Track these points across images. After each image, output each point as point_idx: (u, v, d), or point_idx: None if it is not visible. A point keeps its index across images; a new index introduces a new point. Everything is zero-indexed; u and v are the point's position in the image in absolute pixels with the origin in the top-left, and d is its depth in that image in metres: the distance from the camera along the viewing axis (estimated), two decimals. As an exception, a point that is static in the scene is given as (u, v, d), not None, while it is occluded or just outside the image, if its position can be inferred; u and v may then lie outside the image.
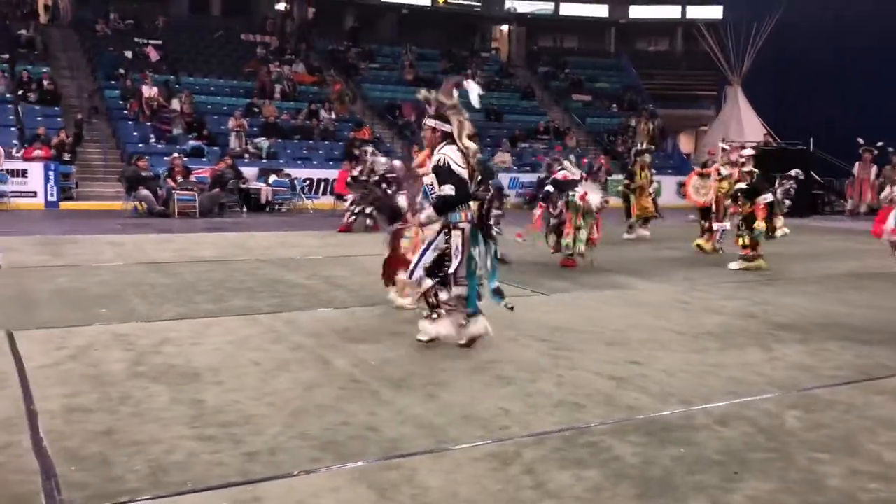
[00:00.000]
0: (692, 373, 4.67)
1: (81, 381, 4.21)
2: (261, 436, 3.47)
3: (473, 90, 5.28)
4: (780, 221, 9.29)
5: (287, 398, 4.01)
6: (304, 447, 3.36)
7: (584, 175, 9.06)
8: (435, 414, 3.83)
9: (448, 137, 5.02)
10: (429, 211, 5.03)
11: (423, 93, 5.23)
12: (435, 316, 5.10)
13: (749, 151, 9.75)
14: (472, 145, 5.09)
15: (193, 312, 6.11)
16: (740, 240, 9.37)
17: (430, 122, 5.08)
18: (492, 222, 5.17)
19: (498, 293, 5.17)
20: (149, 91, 20.45)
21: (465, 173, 4.99)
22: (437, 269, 5.04)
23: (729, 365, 4.86)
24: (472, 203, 5.07)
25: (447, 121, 5.02)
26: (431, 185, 5.02)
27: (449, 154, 4.94)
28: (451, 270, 5.00)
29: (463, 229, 5.01)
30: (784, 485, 3.09)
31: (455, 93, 5.10)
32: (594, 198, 8.83)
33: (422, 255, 5.10)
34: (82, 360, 4.64)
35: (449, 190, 4.87)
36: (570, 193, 8.88)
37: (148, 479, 3.01)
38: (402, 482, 3.05)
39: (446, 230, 5.01)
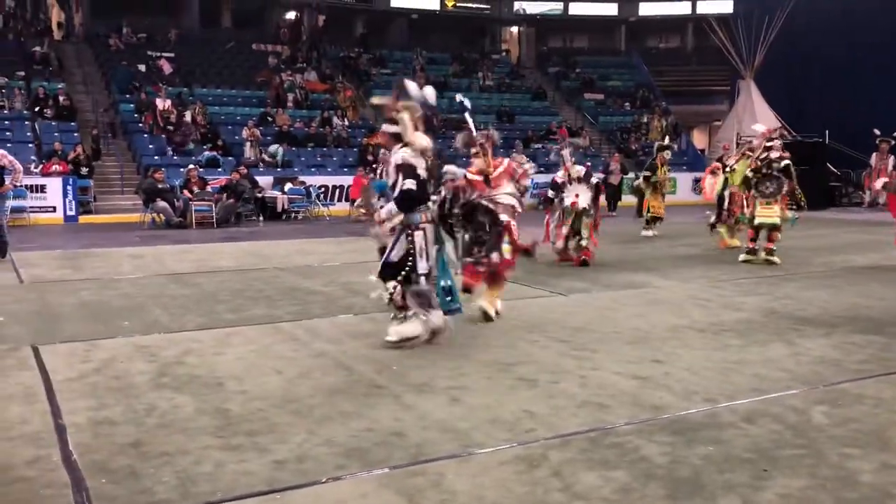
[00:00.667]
0: (715, 370, 4.65)
1: (107, 393, 4.25)
2: (287, 444, 3.49)
3: (429, 94, 5.33)
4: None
5: (311, 405, 4.03)
6: (330, 454, 3.37)
7: (574, 178, 9.17)
8: (459, 418, 3.83)
9: (398, 139, 5.11)
10: (390, 206, 5.11)
11: (375, 99, 5.41)
12: (402, 316, 5.17)
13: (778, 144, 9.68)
14: (426, 142, 5.12)
15: (214, 322, 6.14)
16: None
17: (384, 128, 5.26)
18: (452, 221, 5.25)
19: (447, 292, 5.21)
20: (163, 103, 20.61)
21: (423, 174, 5.06)
22: (399, 268, 5.10)
23: (752, 361, 4.84)
24: (430, 203, 5.16)
25: (395, 122, 5.12)
26: (394, 183, 5.11)
27: (407, 155, 5.04)
28: (418, 270, 5.07)
29: (424, 230, 5.10)
30: (815, 481, 3.06)
31: (411, 90, 5.16)
32: (583, 199, 9.10)
33: (387, 256, 5.16)
34: (107, 372, 4.67)
35: (410, 184, 4.97)
36: (562, 198, 9.21)
37: (177, 489, 3.03)
38: (428, 487, 3.05)
39: (408, 231, 5.09)
